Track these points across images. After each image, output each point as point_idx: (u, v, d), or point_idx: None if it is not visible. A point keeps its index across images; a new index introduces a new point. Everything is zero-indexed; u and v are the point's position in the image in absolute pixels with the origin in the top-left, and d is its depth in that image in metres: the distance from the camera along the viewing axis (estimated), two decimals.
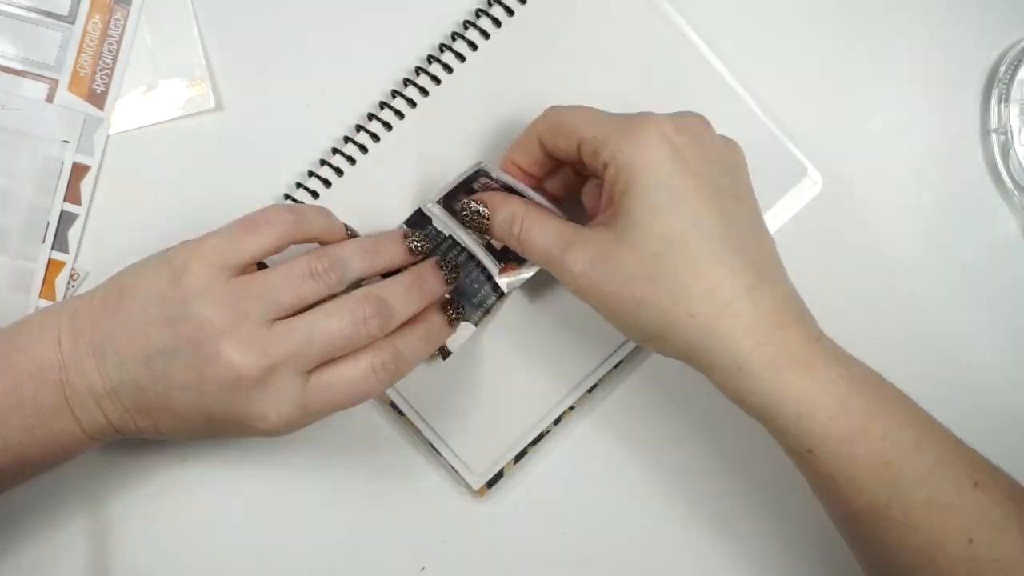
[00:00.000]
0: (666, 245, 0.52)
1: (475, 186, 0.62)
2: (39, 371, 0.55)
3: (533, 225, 0.57)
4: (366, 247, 0.58)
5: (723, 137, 0.57)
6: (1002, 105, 0.68)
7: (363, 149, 0.65)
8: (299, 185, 0.65)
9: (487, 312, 0.64)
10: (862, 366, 0.55)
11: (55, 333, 0.55)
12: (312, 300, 0.56)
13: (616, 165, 0.54)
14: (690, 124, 0.55)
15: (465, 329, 0.63)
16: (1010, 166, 0.67)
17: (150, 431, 0.57)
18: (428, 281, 0.60)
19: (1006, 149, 0.67)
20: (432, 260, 0.61)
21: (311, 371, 0.56)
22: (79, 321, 0.55)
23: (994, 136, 0.68)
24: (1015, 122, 0.67)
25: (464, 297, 0.64)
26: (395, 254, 0.59)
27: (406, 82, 0.65)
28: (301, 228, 0.57)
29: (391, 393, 0.65)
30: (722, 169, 0.55)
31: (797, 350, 0.53)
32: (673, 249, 0.52)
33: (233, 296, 0.54)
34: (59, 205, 0.64)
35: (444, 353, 0.64)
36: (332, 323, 0.55)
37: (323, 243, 0.59)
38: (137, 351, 0.54)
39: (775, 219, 0.66)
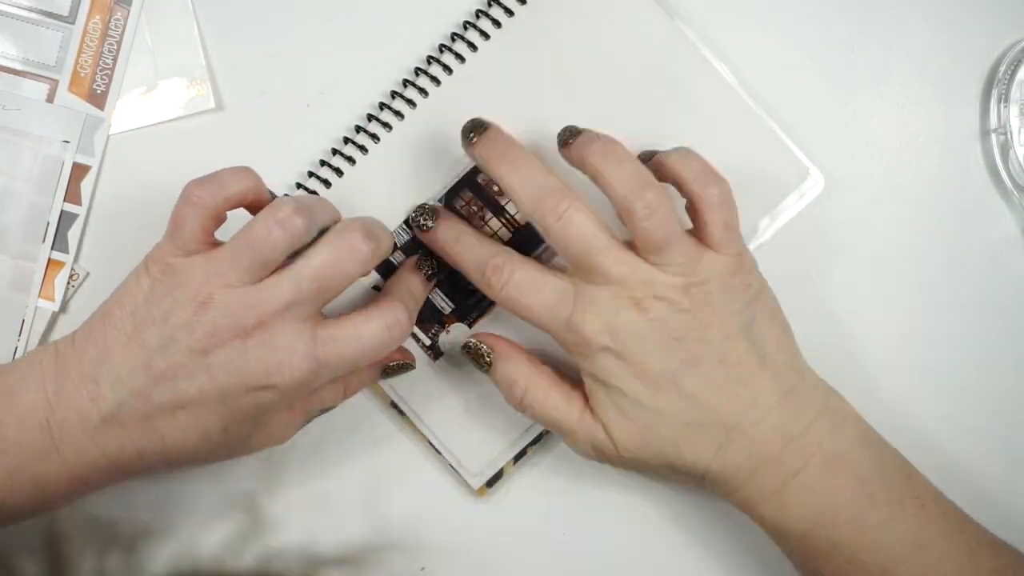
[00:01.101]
0: (646, 442, 0.57)
1: (479, 179, 0.62)
2: (23, 415, 0.54)
3: (536, 398, 0.60)
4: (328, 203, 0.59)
5: (695, 274, 0.57)
6: (1002, 105, 0.67)
7: (363, 150, 0.65)
8: (299, 185, 0.65)
9: (483, 312, 0.64)
10: (849, 482, 0.57)
11: (38, 374, 0.55)
12: (282, 253, 0.55)
13: (581, 374, 0.59)
14: (623, 316, 0.56)
15: (458, 329, 0.64)
16: (1010, 166, 0.67)
17: (153, 453, 0.55)
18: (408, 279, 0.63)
19: (1006, 149, 0.67)
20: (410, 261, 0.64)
21: (320, 323, 0.55)
22: (64, 360, 0.55)
23: (994, 136, 0.68)
24: (1015, 122, 0.67)
25: (460, 297, 0.64)
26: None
27: (406, 83, 0.65)
28: (222, 195, 0.56)
29: (391, 393, 0.65)
30: (668, 345, 0.56)
31: (771, 488, 0.57)
32: (652, 444, 0.57)
33: (210, 270, 0.54)
34: (59, 205, 0.64)
35: (436, 353, 0.64)
36: (315, 260, 0.55)
37: (253, 205, 0.58)
38: (134, 359, 0.54)
39: (777, 220, 0.66)
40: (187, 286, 0.54)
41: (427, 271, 0.63)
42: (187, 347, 0.53)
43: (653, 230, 0.56)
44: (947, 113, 0.68)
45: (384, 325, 0.56)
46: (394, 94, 0.65)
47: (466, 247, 0.61)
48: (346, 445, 0.66)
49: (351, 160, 0.65)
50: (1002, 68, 0.68)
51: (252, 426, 0.56)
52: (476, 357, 0.61)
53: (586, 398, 0.59)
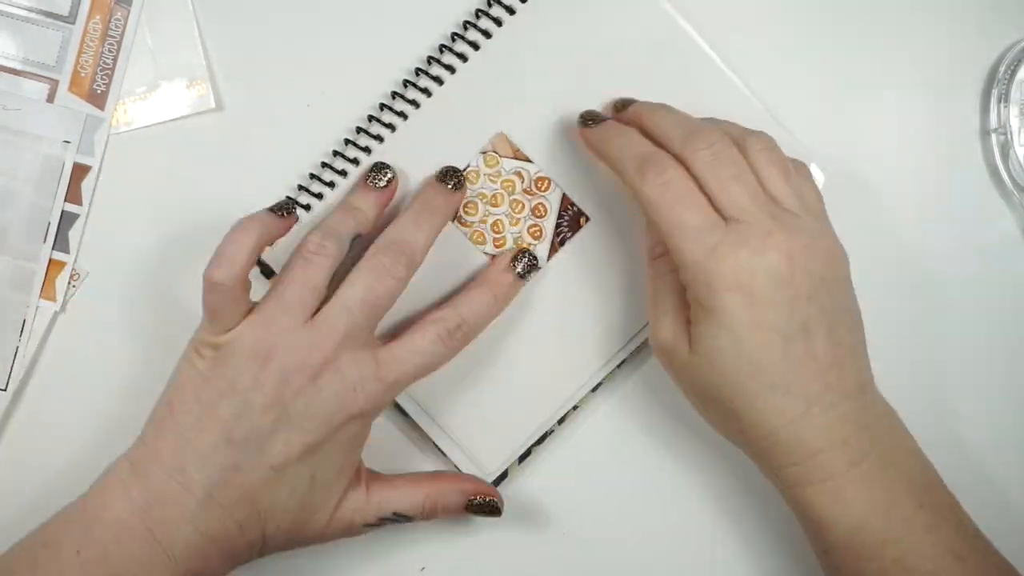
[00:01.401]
0: (725, 381, 0.56)
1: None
2: (121, 532, 0.54)
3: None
4: (342, 206, 0.61)
5: (825, 248, 0.57)
6: (1002, 105, 0.68)
7: (367, 150, 0.64)
8: (301, 188, 0.64)
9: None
10: (902, 483, 0.56)
11: (121, 488, 0.55)
12: (325, 278, 0.57)
13: (693, 294, 0.56)
14: (772, 261, 0.55)
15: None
16: (1010, 166, 0.67)
17: (252, 524, 0.56)
18: (433, 199, 0.62)
19: (1006, 149, 0.68)
20: (432, 178, 0.63)
21: (379, 347, 0.57)
22: (140, 462, 0.56)
23: (994, 136, 0.68)
24: (1015, 122, 0.67)
25: None
26: (368, 197, 0.61)
27: (406, 83, 0.65)
28: (240, 267, 0.56)
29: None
30: (798, 303, 0.55)
31: (833, 471, 0.55)
32: (731, 387, 0.56)
33: (259, 324, 0.56)
34: (60, 205, 0.64)
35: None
36: (358, 289, 0.57)
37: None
38: (214, 436, 0.55)
39: None
40: (243, 349, 0.55)
41: (452, 183, 0.63)
42: (261, 405, 0.55)
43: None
44: (947, 113, 0.69)
45: (436, 335, 0.58)
46: (394, 94, 0.65)
47: (628, 142, 0.59)
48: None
49: (355, 161, 0.64)
50: (1002, 68, 0.68)
51: (335, 479, 0.58)
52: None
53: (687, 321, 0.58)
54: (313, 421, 0.55)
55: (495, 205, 0.65)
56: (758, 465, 0.59)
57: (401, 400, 0.65)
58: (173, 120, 0.65)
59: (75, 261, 0.65)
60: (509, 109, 0.65)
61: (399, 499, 0.61)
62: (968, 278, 0.68)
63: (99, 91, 0.65)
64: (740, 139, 0.58)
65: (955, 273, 0.68)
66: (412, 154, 0.64)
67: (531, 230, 0.65)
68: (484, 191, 0.65)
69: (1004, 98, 0.68)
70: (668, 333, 0.58)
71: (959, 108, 0.69)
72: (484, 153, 0.64)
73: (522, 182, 0.64)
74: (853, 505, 0.55)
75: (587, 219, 0.64)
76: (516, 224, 0.65)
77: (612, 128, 0.60)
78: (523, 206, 0.65)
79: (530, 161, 0.64)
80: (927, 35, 0.68)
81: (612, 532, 0.66)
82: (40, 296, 0.64)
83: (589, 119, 0.62)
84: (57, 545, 0.54)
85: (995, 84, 0.68)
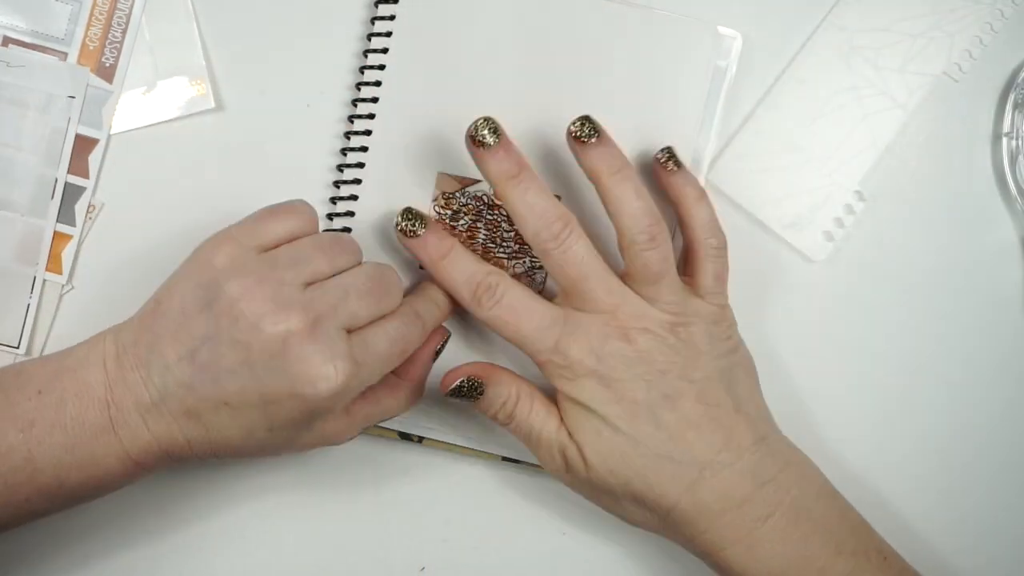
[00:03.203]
0: (615, 465, 0.58)
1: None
2: (84, 391, 0.55)
3: (523, 408, 0.60)
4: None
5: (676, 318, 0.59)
6: (1017, 112, 0.67)
7: (363, 149, 0.65)
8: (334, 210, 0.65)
9: None
10: (816, 532, 0.58)
11: (100, 354, 0.56)
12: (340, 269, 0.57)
13: (559, 393, 0.59)
14: (614, 349, 0.58)
15: None
16: (1017, 172, 0.67)
17: (200, 443, 0.56)
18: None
19: (1015, 155, 0.67)
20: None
21: (351, 331, 0.56)
22: (122, 340, 0.56)
23: (1005, 140, 0.67)
24: None
25: None
26: None
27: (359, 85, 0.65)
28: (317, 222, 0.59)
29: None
30: (651, 376, 0.58)
31: (740, 532, 0.57)
32: (622, 469, 0.58)
33: (265, 266, 0.54)
34: (64, 170, 0.65)
35: None
36: (357, 280, 0.56)
37: None
38: (180, 348, 0.54)
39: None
40: (236, 280, 0.54)
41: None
42: (230, 340, 0.53)
43: (652, 263, 0.58)
44: (962, 111, 0.68)
45: (402, 324, 0.58)
46: (355, 101, 0.65)
47: (455, 262, 0.60)
48: (347, 445, 0.65)
49: (360, 165, 0.65)
50: (1023, 74, 0.68)
51: (297, 430, 0.56)
52: (469, 392, 0.60)
53: (561, 417, 0.60)
54: (276, 381, 0.53)
55: (473, 237, 0.65)
56: (681, 544, 0.60)
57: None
58: (173, 120, 0.65)
59: (81, 235, 0.65)
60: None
61: (382, 411, 0.60)
62: (960, 281, 0.68)
63: (108, 64, 0.65)
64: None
65: (950, 275, 0.68)
66: (412, 149, 0.65)
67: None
68: (460, 229, 0.65)
69: (1020, 104, 0.67)
70: (560, 459, 0.60)
71: (974, 108, 0.68)
72: (435, 200, 0.64)
73: (487, 198, 0.65)
74: (766, 562, 0.57)
75: (559, 198, 0.64)
76: (505, 240, 0.65)
77: (439, 260, 0.61)
78: (498, 222, 0.65)
79: (478, 180, 0.64)
80: (955, 31, 0.67)
81: (611, 532, 0.67)
82: (46, 269, 0.65)
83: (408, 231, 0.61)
84: (27, 378, 0.56)
85: (1013, 88, 0.67)
